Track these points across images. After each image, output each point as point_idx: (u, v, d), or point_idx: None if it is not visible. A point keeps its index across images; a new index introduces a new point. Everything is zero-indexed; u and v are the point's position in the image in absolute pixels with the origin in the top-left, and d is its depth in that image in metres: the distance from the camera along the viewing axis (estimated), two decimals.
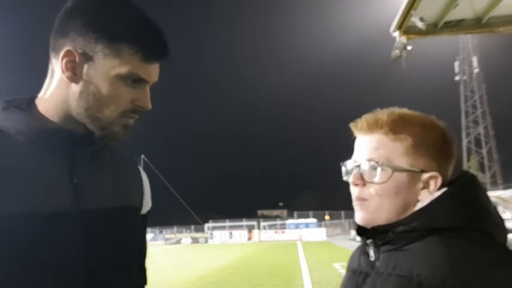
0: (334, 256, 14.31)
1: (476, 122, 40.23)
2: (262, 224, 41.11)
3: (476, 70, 40.53)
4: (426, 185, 0.63)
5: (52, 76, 0.69)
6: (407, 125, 0.64)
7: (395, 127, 0.63)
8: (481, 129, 39.70)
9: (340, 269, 9.82)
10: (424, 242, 0.59)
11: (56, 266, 0.62)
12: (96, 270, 0.65)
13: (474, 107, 40.66)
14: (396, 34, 4.29)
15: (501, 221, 0.63)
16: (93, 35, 0.64)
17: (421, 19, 3.98)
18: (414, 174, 0.63)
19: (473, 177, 0.65)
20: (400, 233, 0.61)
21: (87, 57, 0.65)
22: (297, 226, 35.73)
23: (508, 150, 41.10)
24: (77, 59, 0.65)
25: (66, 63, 0.65)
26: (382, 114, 0.66)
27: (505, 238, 0.62)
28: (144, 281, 0.82)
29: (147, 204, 0.83)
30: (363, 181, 0.64)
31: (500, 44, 35.77)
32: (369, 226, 0.66)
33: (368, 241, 0.66)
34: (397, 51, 4.33)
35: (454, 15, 4.23)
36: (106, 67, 0.65)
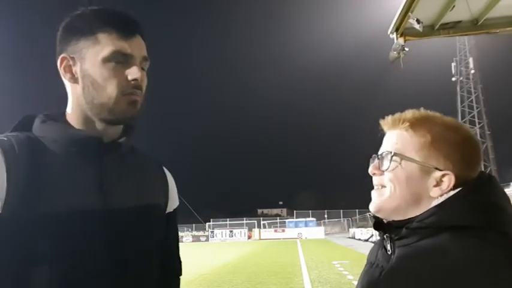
0: (333, 254, 14.38)
1: (472, 122, 40.41)
2: (262, 222, 41.26)
3: (472, 71, 40.74)
4: (439, 183, 0.65)
5: (67, 92, 0.79)
6: (429, 124, 0.67)
7: (416, 124, 0.67)
8: (477, 129, 39.83)
9: (339, 267, 9.89)
10: (436, 239, 0.60)
11: (86, 261, 0.68)
12: (122, 265, 0.72)
13: (471, 107, 40.87)
14: (394, 36, 4.36)
15: None
16: (74, 38, 0.75)
17: (418, 21, 4.04)
18: (426, 169, 0.65)
19: (490, 177, 0.66)
20: (414, 229, 0.63)
21: (77, 58, 0.75)
22: (296, 225, 35.81)
23: (504, 150, 41.31)
24: (71, 62, 0.75)
25: (64, 68, 0.76)
26: (409, 112, 0.70)
27: None
28: (176, 273, 0.92)
29: (173, 202, 0.89)
30: (379, 170, 0.69)
31: (496, 45, 35.91)
32: (380, 214, 0.69)
33: (385, 235, 0.68)
34: (395, 52, 4.38)
35: (450, 17, 4.29)
36: (92, 56, 0.73)
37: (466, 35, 4.83)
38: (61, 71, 0.77)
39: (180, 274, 0.92)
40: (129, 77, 0.74)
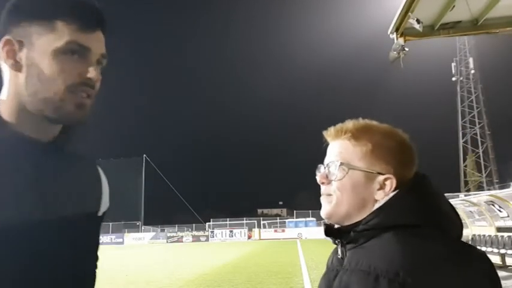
0: None
1: (472, 122, 40.45)
2: (262, 222, 41.22)
3: (472, 71, 40.79)
4: (382, 186, 0.70)
5: (2, 76, 0.70)
6: (368, 133, 0.72)
7: (358, 134, 0.72)
8: (477, 129, 39.88)
9: None
10: (380, 239, 0.65)
11: (17, 274, 0.62)
12: (56, 276, 0.66)
13: (471, 107, 40.94)
14: (394, 36, 4.36)
15: (456, 218, 0.68)
16: (26, 20, 0.66)
17: (418, 21, 4.04)
18: (370, 175, 0.70)
19: (423, 178, 0.71)
20: (360, 232, 0.68)
21: (25, 42, 0.66)
22: (296, 225, 35.82)
23: (504, 150, 41.29)
24: (16, 46, 0.66)
25: (7, 52, 0.67)
26: (349, 123, 0.75)
27: (460, 233, 0.68)
28: (92, 273, 0.81)
29: (104, 205, 0.82)
30: (327, 179, 0.73)
31: (496, 45, 35.89)
32: (331, 220, 0.74)
33: (336, 241, 0.73)
34: (395, 52, 4.38)
35: (450, 17, 4.29)
36: (44, 45, 0.65)
37: (466, 35, 4.84)
38: (2, 54, 0.67)
39: (95, 276, 0.83)
40: (84, 75, 0.67)
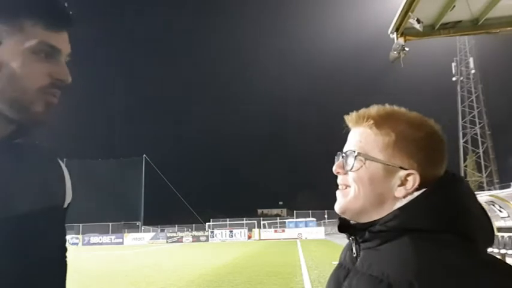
0: (333, 254, 14.37)
1: (472, 122, 40.48)
2: (262, 222, 41.25)
3: (473, 71, 40.82)
4: (403, 182, 0.63)
5: None
6: (393, 121, 0.64)
7: (380, 122, 0.65)
8: (477, 129, 39.91)
9: None
10: (396, 243, 0.59)
11: None
12: (24, 273, 0.65)
13: (471, 107, 40.94)
14: (394, 36, 4.36)
15: (487, 223, 0.61)
16: None
17: (419, 21, 4.04)
18: (390, 169, 0.63)
19: (454, 178, 0.64)
20: (376, 232, 0.62)
21: None
22: (296, 225, 35.81)
23: (504, 150, 41.31)
24: None
25: None
26: (373, 108, 0.67)
27: (490, 239, 0.61)
28: (64, 269, 0.81)
29: (69, 197, 0.80)
30: (343, 169, 0.67)
31: (496, 45, 35.90)
32: (345, 215, 0.68)
33: (351, 238, 0.68)
34: (395, 52, 4.39)
35: (451, 17, 4.29)
36: (13, 45, 0.64)
37: (466, 34, 4.84)
38: None
39: (65, 257, 0.83)
40: (56, 76, 0.67)
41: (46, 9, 0.67)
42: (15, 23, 0.65)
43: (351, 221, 0.69)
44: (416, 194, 0.62)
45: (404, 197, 0.63)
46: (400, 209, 0.62)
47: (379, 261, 0.60)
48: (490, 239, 0.62)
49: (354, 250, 0.67)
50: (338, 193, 0.69)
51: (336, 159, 0.70)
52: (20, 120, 0.67)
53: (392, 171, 0.63)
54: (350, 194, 0.66)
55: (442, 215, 0.59)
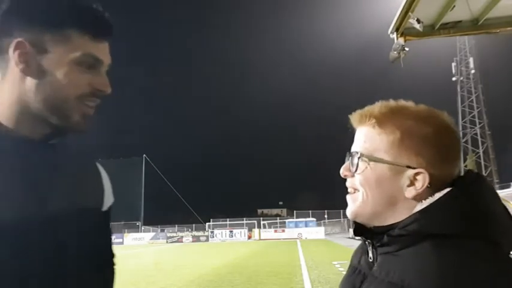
0: (333, 254, 14.38)
1: (473, 122, 40.49)
2: (262, 222, 41.27)
3: (473, 71, 40.83)
4: (413, 182, 0.59)
5: (3, 75, 0.68)
6: (397, 118, 0.61)
7: (383, 119, 0.61)
8: (477, 129, 39.91)
9: (340, 267, 9.87)
10: (417, 249, 0.56)
11: (18, 272, 0.60)
12: (60, 274, 0.65)
13: (471, 107, 40.98)
14: (394, 36, 4.36)
15: (510, 224, 0.57)
16: (37, 26, 0.65)
17: (419, 21, 4.04)
18: (397, 168, 0.59)
19: (478, 177, 0.59)
20: (395, 237, 0.58)
21: (39, 48, 0.65)
22: (296, 225, 35.81)
23: (504, 150, 41.34)
24: (29, 51, 0.65)
25: (19, 55, 0.65)
26: (376, 106, 0.64)
27: None
28: (112, 277, 0.81)
29: (109, 200, 0.81)
30: (350, 172, 0.64)
31: (496, 45, 35.93)
32: (358, 220, 0.65)
33: (367, 242, 0.64)
34: (395, 52, 4.39)
35: (451, 16, 4.29)
36: (59, 55, 0.66)
37: (466, 34, 4.84)
38: (14, 56, 0.65)
39: (114, 264, 0.82)
40: (96, 86, 0.69)
41: (92, 20, 0.69)
42: (63, 33, 0.66)
43: (366, 225, 0.66)
44: (437, 195, 0.58)
45: (415, 197, 0.59)
46: (420, 211, 0.58)
47: (399, 269, 0.56)
48: None
49: (370, 254, 0.64)
50: (348, 198, 0.66)
51: (346, 160, 0.67)
52: (58, 125, 0.69)
53: (399, 171, 0.60)
54: (359, 198, 0.63)
55: (468, 219, 0.55)
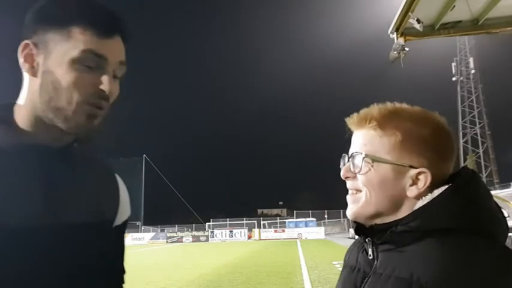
0: (333, 254, 14.38)
1: (472, 122, 40.51)
2: (262, 222, 41.31)
3: (473, 71, 40.85)
4: (415, 181, 0.61)
5: (23, 80, 0.68)
6: (397, 120, 0.63)
7: (384, 122, 0.63)
8: (477, 129, 39.93)
9: (339, 267, 9.89)
10: (422, 244, 0.57)
11: (24, 280, 0.60)
12: (64, 278, 0.64)
13: (471, 107, 41.00)
14: (394, 36, 4.36)
15: (504, 220, 0.61)
16: (42, 26, 0.64)
17: (419, 21, 4.04)
18: (399, 169, 0.61)
19: (473, 173, 0.62)
20: (399, 233, 0.60)
21: (41, 48, 0.64)
22: (296, 225, 35.82)
23: (504, 150, 41.38)
24: (34, 51, 0.65)
25: (25, 56, 0.65)
26: (374, 108, 0.65)
27: (506, 236, 0.61)
28: (119, 281, 0.79)
29: (124, 214, 0.79)
30: (352, 173, 0.65)
31: (496, 45, 35.95)
32: (358, 220, 0.66)
33: (367, 239, 0.65)
34: (395, 52, 4.39)
35: (451, 16, 4.29)
36: (60, 54, 0.63)
37: (466, 34, 4.84)
38: (20, 59, 0.66)
39: (123, 282, 0.81)
40: (98, 86, 0.65)
41: (91, 15, 0.65)
42: (62, 31, 0.64)
43: (366, 224, 0.67)
44: (436, 192, 0.60)
45: (417, 196, 0.61)
46: (421, 208, 0.60)
47: (406, 264, 0.57)
48: (506, 236, 0.61)
49: (370, 252, 0.64)
50: (348, 198, 0.66)
51: (341, 163, 0.68)
52: (67, 129, 0.66)
53: (402, 171, 0.61)
54: (361, 199, 0.64)
55: (467, 214, 0.58)
